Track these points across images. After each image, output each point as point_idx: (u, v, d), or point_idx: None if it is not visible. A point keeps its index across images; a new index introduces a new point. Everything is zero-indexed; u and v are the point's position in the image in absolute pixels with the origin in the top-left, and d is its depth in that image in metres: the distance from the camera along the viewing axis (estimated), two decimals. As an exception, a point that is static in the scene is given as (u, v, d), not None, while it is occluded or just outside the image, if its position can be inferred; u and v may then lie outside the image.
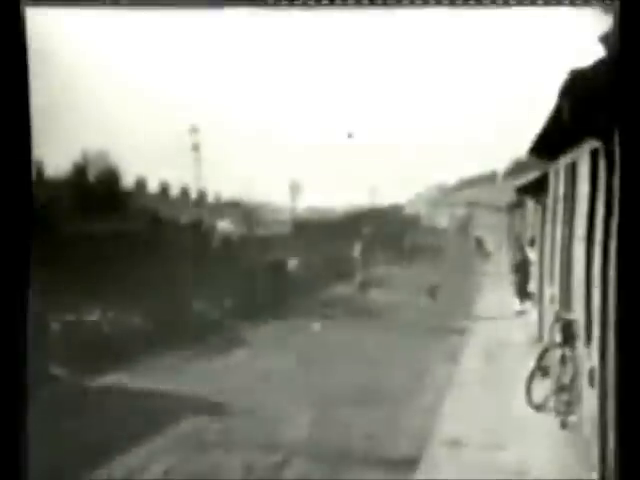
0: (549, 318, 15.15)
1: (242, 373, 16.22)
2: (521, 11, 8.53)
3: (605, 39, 7.77)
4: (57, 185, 24.12)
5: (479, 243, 38.57)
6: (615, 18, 7.50)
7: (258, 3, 7.90)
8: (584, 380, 10.63)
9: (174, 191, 31.77)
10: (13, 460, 7.17)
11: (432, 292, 29.79)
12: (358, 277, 30.01)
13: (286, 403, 13.76)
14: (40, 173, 25.06)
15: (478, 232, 39.72)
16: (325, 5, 7.91)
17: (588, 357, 10.36)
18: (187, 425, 12.47)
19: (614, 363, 7.63)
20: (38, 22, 7.31)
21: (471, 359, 17.03)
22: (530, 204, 22.84)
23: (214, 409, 13.43)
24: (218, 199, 33.08)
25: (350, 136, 24.52)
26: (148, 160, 25.21)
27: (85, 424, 12.42)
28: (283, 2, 7.84)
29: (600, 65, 8.11)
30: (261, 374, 16.12)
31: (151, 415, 13.03)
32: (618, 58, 7.34)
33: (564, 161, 13.89)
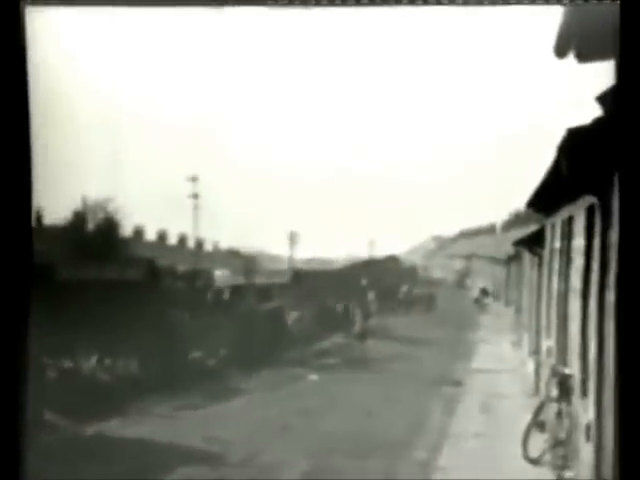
0: (546, 371, 15.15)
1: (238, 422, 16.14)
2: (524, 66, 8.71)
3: (603, 99, 7.91)
4: (56, 232, 24.21)
5: (477, 295, 38.61)
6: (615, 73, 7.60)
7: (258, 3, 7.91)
8: (580, 435, 10.62)
9: (172, 239, 31.86)
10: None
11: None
12: (356, 327, 30.00)
13: (282, 453, 13.69)
14: (40, 220, 25.21)
15: (476, 284, 39.78)
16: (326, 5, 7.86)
17: (584, 412, 10.37)
18: (182, 475, 12.38)
19: (612, 418, 7.63)
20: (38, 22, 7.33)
21: (467, 411, 16.98)
22: (527, 257, 22.94)
23: (209, 458, 13.35)
24: (216, 248, 33.17)
25: None
26: (147, 208, 25.34)
27: (79, 472, 12.33)
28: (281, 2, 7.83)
29: (597, 123, 8.26)
30: (257, 423, 16.05)
31: (145, 464, 12.94)
32: (615, 116, 7.46)
33: (561, 216, 14.01)
